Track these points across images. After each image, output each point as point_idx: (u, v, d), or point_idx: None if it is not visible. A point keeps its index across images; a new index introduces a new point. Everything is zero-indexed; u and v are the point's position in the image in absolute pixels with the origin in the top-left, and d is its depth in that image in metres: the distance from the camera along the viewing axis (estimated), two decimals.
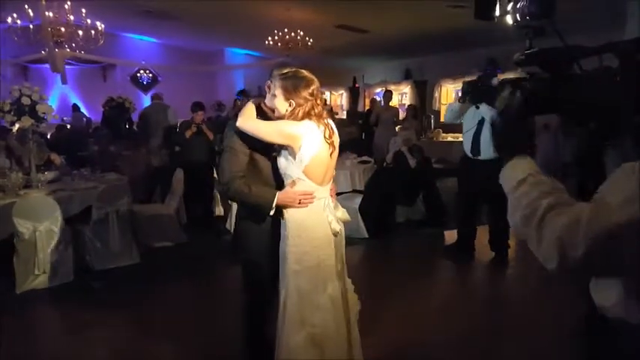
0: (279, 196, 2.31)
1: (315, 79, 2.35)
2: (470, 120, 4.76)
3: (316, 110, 2.31)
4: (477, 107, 4.59)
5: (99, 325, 3.70)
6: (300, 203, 2.30)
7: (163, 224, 5.45)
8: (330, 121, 2.40)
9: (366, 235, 5.63)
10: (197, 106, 6.26)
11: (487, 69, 11.27)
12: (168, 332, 3.50)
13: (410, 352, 3.19)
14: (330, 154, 2.35)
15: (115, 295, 4.24)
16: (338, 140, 2.42)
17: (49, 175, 5.08)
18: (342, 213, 2.50)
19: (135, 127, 10.15)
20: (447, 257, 5.26)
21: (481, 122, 4.64)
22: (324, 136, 2.31)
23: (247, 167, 2.40)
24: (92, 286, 4.40)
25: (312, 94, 2.30)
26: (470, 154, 4.81)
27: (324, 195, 2.38)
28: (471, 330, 3.49)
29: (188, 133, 6.15)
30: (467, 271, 4.99)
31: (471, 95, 4.54)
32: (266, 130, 2.30)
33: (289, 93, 2.30)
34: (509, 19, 4.94)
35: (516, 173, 1.28)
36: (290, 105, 2.30)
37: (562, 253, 1.07)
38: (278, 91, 2.32)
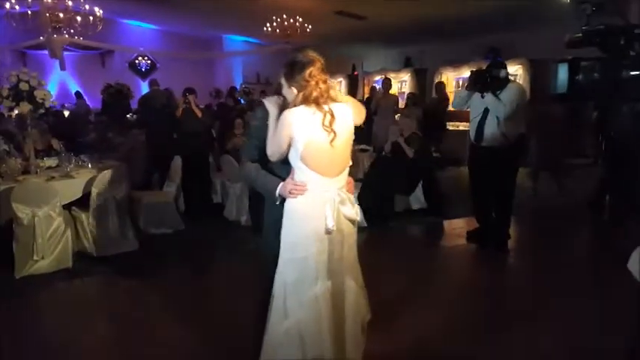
0: (279, 186, 2.28)
1: (315, 60, 2.22)
2: (476, 108, 4.76)
3: (314, 94, 2.17)
4: (483, 96, 4.60)
5: (97, 312, 3.73)
6: (290, 193, 2.25)
7: (162, 211, 5.45)
8: (336, 106, 2.24)
9: (365, 224, 5.62)
10: (186, 91, 6.50)
11: (488, 56, 11.21)
12: (168, 319, 3.51)
13: (407, 340, 3.19)
14: (331, 142, 2.19)
15: (113, 282, 4.26)
16: (346, 126, 2.27)
17: (47, 161, 5.09)
18: (350, 210, 2.31)
19: (133, 114, 10.13)
20: (457, 243, 5.23)
21: (486, 110, 4.64)
22: (323, 123, 2.17)
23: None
24: (91, 272, 4.41)
25: (310, 77, 2.18)
26: (474, 141, 4.84)
27: (328, 187, 2.25)
28: (469, 318, 3.51)
29: (178, 112, 6.33)
30: (468, 260, 4.99)
31: (479, 84, 4.57)
32: (271, 133, 2.25)
33: (288, 79, 2.25)
34: None
35: None
36: (292, 92, 2.24)
37: None
38: (282, 79, 2.28)
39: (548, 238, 5.50)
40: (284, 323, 2.26)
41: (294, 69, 2.22)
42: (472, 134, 4.86)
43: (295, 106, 2.21)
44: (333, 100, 2.27)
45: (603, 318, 3.48)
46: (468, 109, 4.99)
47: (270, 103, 2.32)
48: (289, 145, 2.22)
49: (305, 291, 2.25)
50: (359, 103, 2.49)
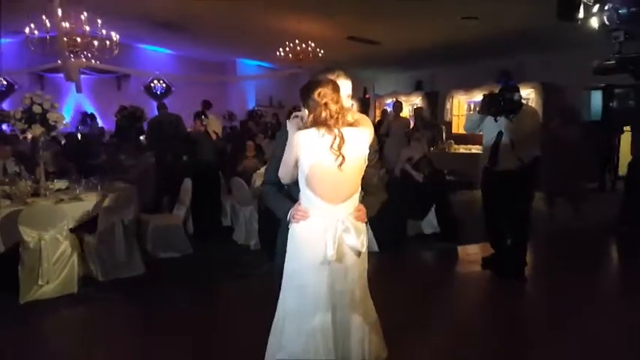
0: (290, 210, 2.24)
1: (326, 81, 2.20)
2: (489, 131, 4.69)
3: (322, 115, 2.12)
4: (496, 120, 4.53)
5: (102, 338, 3.65)
6: (293, 218, 2.20)
7: (170, 234, 5.40)
8: (349, 129, 2.18)
9: (377, 249, 5.53)
10: (198, 113, 6.54)
11: (500, 80, 11.17)
12: (175, 345, 3.44)
13: None
14: (339, 165, 2.11)
15: (119, 308, 4.19)
16: (358, 151, 2.19)
17: (57, 183, 5.09)
18: (353, 240, 2.18)
19: (143, 137, 10.23)
20: (471, 270, 5.10)
21: (500, 134, 4.57)
22: (331, 146, 2.10)
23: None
24: (96, 298, 4.33)
25: (319, 97, 2.13)
26: (488, 165, 4.75)
27: (333, 214, 2.17)
28: (484, 346, 3.41)
29: (193, 132, 6.36)
30: (483, 287, 4.84)
31: (493, 108, 4.52)
32: (283, 154, 2.23)
33: (302, 100, 2.21)
34: (594, 22, 4.93)
35: None
36: (305, 112, 2.20)
37: None
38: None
39: (565, 264, 5.32)
40: (278, 355, 2.18)
41: (305, 89, 2.20)
42: (486, 158, 4.78)
43: (306, 127, 2.17)
44: (349, 123, 2.21)
45: (622, 345, 3.37)
46: (481, 133, 4.92)
47: (291, 124, 2.28)
48: (297, 167, 2.18)
49: (303, 322, 2.17)
50: (368, 120, 2.44)
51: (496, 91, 4.80)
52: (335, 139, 2.11)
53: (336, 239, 2.14)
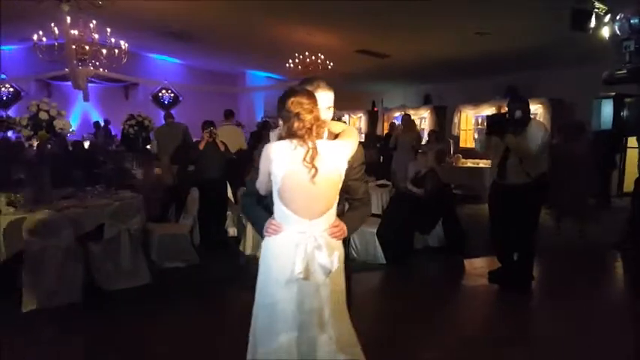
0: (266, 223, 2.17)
1: (302, 91, 2.10)
2: (498, 147, 4.68)
3: (294, 126, 2.02)
4: (502, 140, 4.53)
5: (106, 348, 3.58)
6: (266, 232, 2.15)
7: (176, 244, 5.33)
8: (324, 142, 2.11)
9: (384, 261, 5.49)
10: (207, 124, 6.37)
11: (507, 95, 11.13)
12: (180, 356, 3.38)
13: None
14: (312, 178, 2.01)
15: (123, 318, 4.11)
16: (333, 164, 2.09)
17: (63, 191, 5.05)
18: (324, 258, 2.05)
19: (149, 146, 10.22)
20: (478, 284, 5.06)
21: (508, 149, 4.56)
22: (304, 158, 2.01)
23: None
24: (100, 307, 4.28)
25: (292, 107, 2.04)
26: (497, 180, 4.74)
27: (305, 229, 2.07)
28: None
29: (201, 145, 6.24)
30: (489, 300, 4.80)
31: (496, 129, 4.51)
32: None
33: (277, 110, 2.13)
34: (605, 32, 4.98)
35: None
36: (280, 124, 2.12)
37: None
38: None
39: (572, 279, 5.25)
40: None
41: (279, 99, 2.11)
42: (494, 172, 4.78)
43: (281, 138, 2.09)
44: (334, 134, 2.17)
45: None
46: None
47: (273, 136, 2.22)
48: (271, 180, 2.11)
49: (272, 341, 2.09)
50: (353, 131, 2.35)
51: (504, 106, 4.78)
52: (308, 151, 2.02)
53: (305, 256, 2.05)
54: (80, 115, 14.05)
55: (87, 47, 8.56)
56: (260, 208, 2.29)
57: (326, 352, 2.10)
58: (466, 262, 5.76)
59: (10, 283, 4.10)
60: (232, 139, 7.88)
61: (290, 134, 2.04)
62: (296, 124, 2.02)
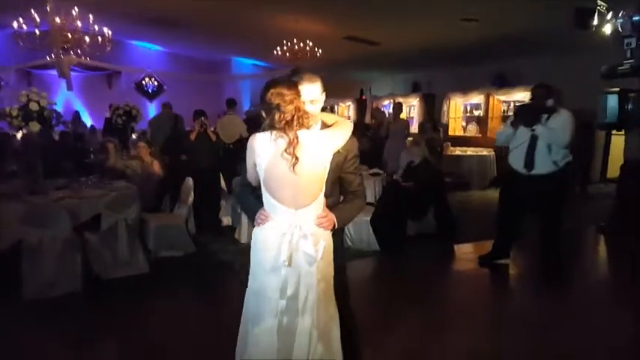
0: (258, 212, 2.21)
1: (282, 82, 2.09)
2: (520, 136, 4.63)
3: (275, 117, 2.02)
4: (533, 130, 4.49)
5: (105, 336, 3.61)
6: (255, 221, 2.20)
7: (172, 234, 5.31)
8: (306, 132, 2.09)
9: (377, 248, 5.55)
10: (198, 114, 6.32)
11: (496, 83, 11.23)
12: (179, 344, 3.39)
13: None
14: (293, 168, 2.02)
15: (122, 306, 4.12)
16: (316, 155, 2.09)
17: (57, 181, 4.99)
18: (309, 247, 2.08)
19: (137, 136, 10.09)
20: (469, 268, 5.19)
21: (534, 137, 4.51)
22: (285, 149, 2.02)
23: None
24: (99, 296, 4.29)
25: (272, 98, 2.04)
26: (522, 170, 4.63)
27: (291, 219, 2.10)
28: (486, 346, 3.40)
29: (193, 135, 6.22)
30: (479, 283, 4.89)
31: (526, 119, 4.51)
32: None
33: (260, 102, 2.14)
34: (607, 29, 5.08)
35: None
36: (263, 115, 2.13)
37: None
38: None
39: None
40: (243, 356, 2.21)
41: (261, 91, 2.11)
42: (518, 163, 4.66)
43: (264, 130, 2.09)
44: (326, 125, 2.20)
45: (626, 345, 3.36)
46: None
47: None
48: (256, 171, 2.14)
49: (255, 327, 2.15)
50: (346, 123, 2.34)
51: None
52: (289, 142, 2.02)
53: (291, 245, 2.08)
54: (62, 104, 13.75)
55: (70, 35, 8.35)
56: (253, 198, 2.30)
57: (305, 336, 2.13)
58: (456, 247, 5.88)
59: (10, 273, 4.07)
60: (235, 129, 7.86)
61: (271, 126, 2.05)
62: (277, 116, 2.03)
